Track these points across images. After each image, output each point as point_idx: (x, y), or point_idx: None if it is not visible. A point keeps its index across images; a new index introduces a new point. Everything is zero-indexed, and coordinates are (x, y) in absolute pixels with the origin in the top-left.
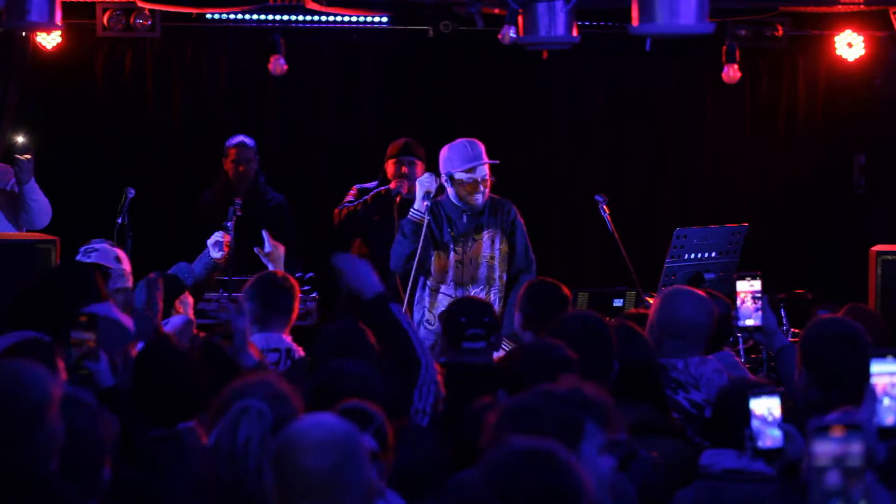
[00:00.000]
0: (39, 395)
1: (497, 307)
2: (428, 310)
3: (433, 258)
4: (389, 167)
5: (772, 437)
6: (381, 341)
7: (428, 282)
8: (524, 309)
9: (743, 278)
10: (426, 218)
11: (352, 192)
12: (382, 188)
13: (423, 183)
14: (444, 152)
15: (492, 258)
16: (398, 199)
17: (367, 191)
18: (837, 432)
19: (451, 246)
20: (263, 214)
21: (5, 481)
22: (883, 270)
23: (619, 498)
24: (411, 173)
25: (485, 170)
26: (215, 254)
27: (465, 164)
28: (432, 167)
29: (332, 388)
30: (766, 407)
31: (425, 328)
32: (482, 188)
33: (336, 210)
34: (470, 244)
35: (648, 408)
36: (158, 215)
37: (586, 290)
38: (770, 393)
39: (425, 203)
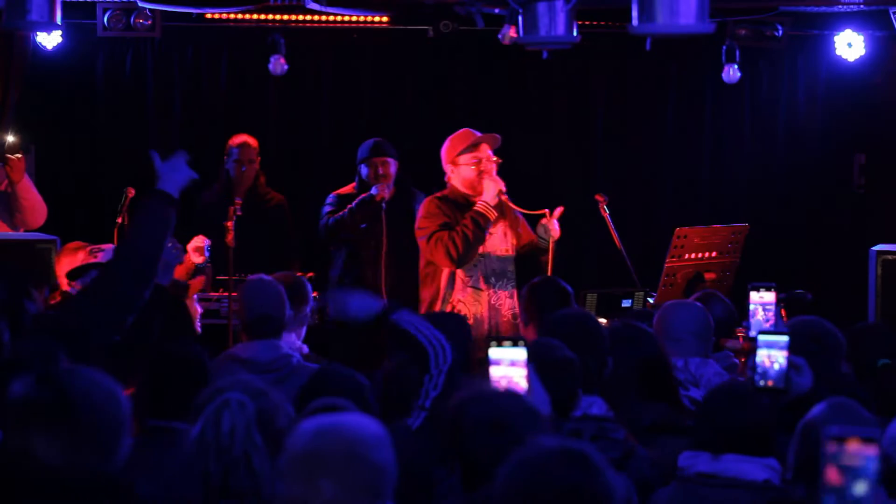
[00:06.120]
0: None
1: (515, 303)
2: (465, 306)
3: None
4: (363, 170)
5: (773, 378)
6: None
7: (459, 278)
8: (525, 306)
9: (757, 289)
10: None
11: (329, 200)
12: (365, 194)
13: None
14: (444, 144)
15: (506, 251)
16: (382, 204)
17: (347, 197)
18: (853, 443)
19: None
20: (263, 214)
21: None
22: (883, 270)
23: None
24: (387, 173)
25: (488, 149)
26: (196, 258)
27: (465, 143)
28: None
29: (319, 390)
30: (767, 355)
31: None
32: (489, 166)
33: (322, 223)
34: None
35: (663, 407)
36: None
37: (594, 290)
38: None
39: (496, 199)
